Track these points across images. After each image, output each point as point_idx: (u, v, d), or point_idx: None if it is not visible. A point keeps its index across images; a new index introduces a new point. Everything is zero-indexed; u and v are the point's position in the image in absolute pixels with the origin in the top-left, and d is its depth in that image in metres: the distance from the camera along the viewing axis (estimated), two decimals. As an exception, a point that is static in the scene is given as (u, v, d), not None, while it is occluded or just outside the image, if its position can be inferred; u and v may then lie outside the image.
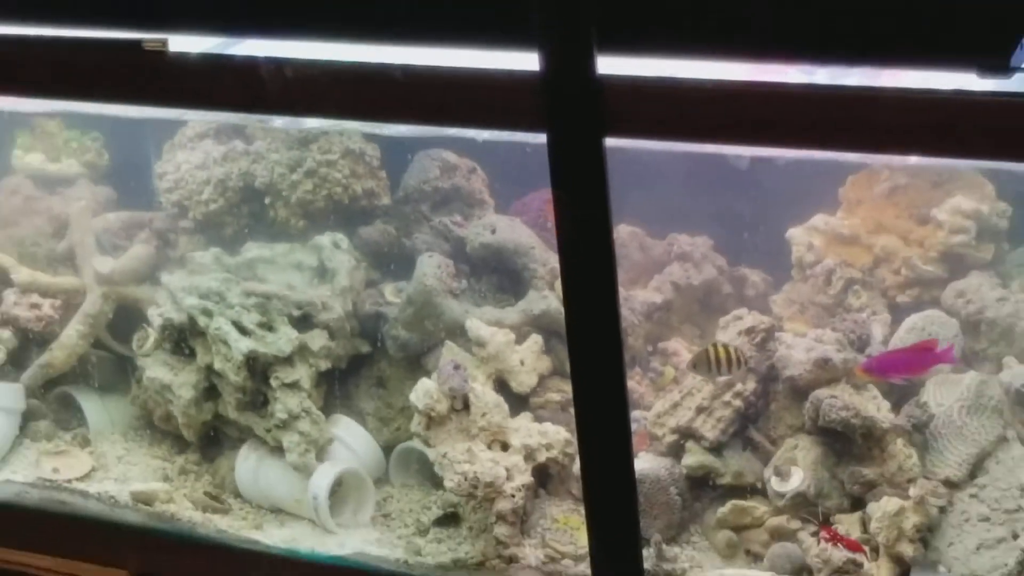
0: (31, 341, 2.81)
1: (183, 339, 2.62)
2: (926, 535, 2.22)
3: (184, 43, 2.18)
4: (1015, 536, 2.17)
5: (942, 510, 2.22)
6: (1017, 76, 1.78)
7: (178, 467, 2.70)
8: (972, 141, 1.82)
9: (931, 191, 2.40)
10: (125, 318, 2.79)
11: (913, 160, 2.24)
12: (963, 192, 2.36)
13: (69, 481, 2.66)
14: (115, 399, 2.82)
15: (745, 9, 1.91)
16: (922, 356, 2.27)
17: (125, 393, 2.80)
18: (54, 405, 2.84)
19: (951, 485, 2.23)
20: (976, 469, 2.23)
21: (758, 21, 1.91)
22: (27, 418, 2.80)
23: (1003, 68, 1.77)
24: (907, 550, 2.20)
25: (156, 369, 2.64)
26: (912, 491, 2.22)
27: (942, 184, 2.39)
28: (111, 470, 2.70)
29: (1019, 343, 2.29)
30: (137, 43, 2.17)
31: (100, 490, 2.63)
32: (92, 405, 2.80)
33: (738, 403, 2.36)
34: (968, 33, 1.80)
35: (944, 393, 2.29)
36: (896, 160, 2.29)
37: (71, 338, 2.77)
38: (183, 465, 2.70)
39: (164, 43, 2.16)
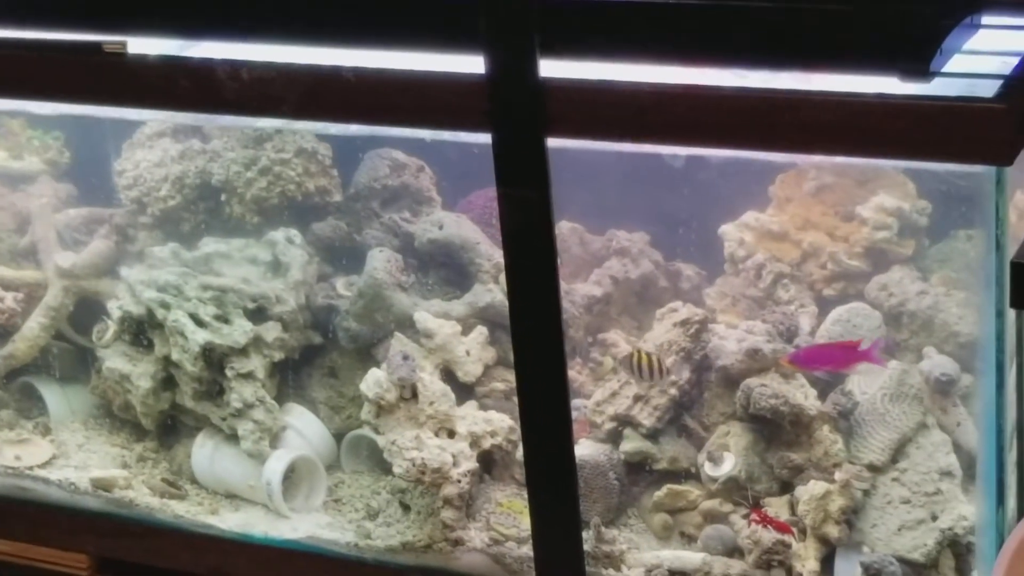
0: (-6, 333, 2.79)
1: (142, 331, 2.60)
2: (851, 517, 2.22)
3: (143, 45, 2.17)
4: (934, 517, 2.19)
5: (866, 493, 2.23)
6: (936, 81, 1.80)
7: (136, 454, 2.68)
8: (895, 142, 1.83)
9: (856, 190, 2.40)
10: (86, 311, 2.76)
11: (839, 160, 2.24)
12: (886, 190, 2.36)
13: (31, 468, 2.64)
14: (75, 389, 2.79)
15: (681, 17, 1.92)
16: (846, 353, 2.27)
17: (85, 383, 2.77)
18: (16, 395, 2.82)
19: (874, 469, 2.24)
20: (898, 454, 2.24)
21: (693, 28, 1.92)
22: (-10, 407, 2.78)
23: (923, 73, 1.78)
24: (833, 531, 2.21)
25: (115, 360, 2.62)
26: (837, 475, 2.23)
27: (866, 183, 2.39)
28: (72, 457, 2.68)
29: (938, 334, 2.29)
30: (98, 45, 2.16)
31: (61, 477, 2.61)
32: (53, 395, 2.78)
33: (673, 392, 2.37)
34: (891, 41, 1.82)
35: (868, 382, 2.29)
36: (823, 160, 2.30)
37: (33, 330, 2.74)
38: (141, 452, 2.68)
39: (124, 45, 2.16)
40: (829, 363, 2.29)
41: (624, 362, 2.33)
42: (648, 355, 2.30)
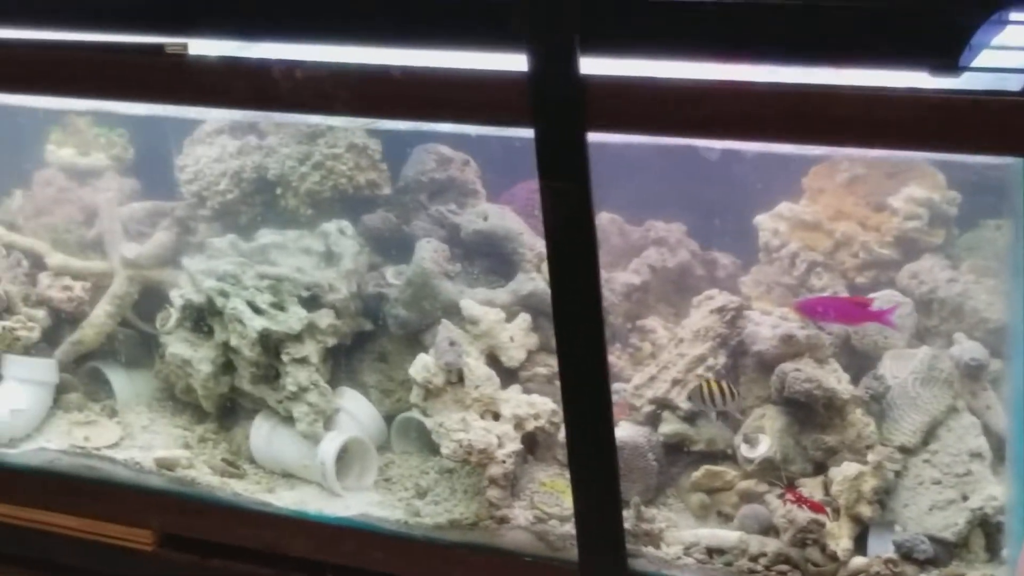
0: (64, 320, 2.79)
1: (202, 318, 2.59)
2: (883, 497, 2.19)
3: (203, 47, 2.17)
4: (964, 498, 2.15)
5: (898, 474, 2.20)
6: (965, 75, 1.77)
7: (198, 436, 2.68)
8: (925, 135, 1.80)
9: (887, 181, 2.37)
10: (149, 299, 2.76)
11: (871, 152, 2.21)
12: (916, 182, 2.33)
13: (98, 448, 2.64)
14: (140, 373, 2.79)
15: (716, 15, 1.90)
16: (857, 309, 2.25)
17: (149, 368, 2.77)
18: (84, 379, 2.81)
19: (906, 451, 2.21)
20: (929, 436, 2.21)
21: (727, 25, 1.89)
22: (60, 391, 2.77)
23: (953, 68, 1.76)
24: (865, 511, 2.18)
25: (177, 346, 2.62)
26: (870, 457, 2.19)
27: (897, 174, 2.36)
28: (136, 438, 2.68)
29: (968, 320, 2.25)
30: (160, 47, 2.16)
31: (127, 457, 2.61)
32: (119, 379, 2.78)
33: (711, 376, 2.34)
34: (921, 37, 1.79)
35: (899, 366, 2.26)
36: (855, 152, 2.26)
37: (100, 317, 2.75)
38: (202, 434, 2.68)
39: (185, 47, 2.15)
40: (837, 315, 2.25)
41: (693, 393, 2.29)
42: (717, 383, 2.27)
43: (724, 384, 2.27)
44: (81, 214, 2.87)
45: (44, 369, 2.74)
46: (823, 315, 2.24)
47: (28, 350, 2.75)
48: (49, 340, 2.79)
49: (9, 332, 2.72)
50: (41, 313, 2.78)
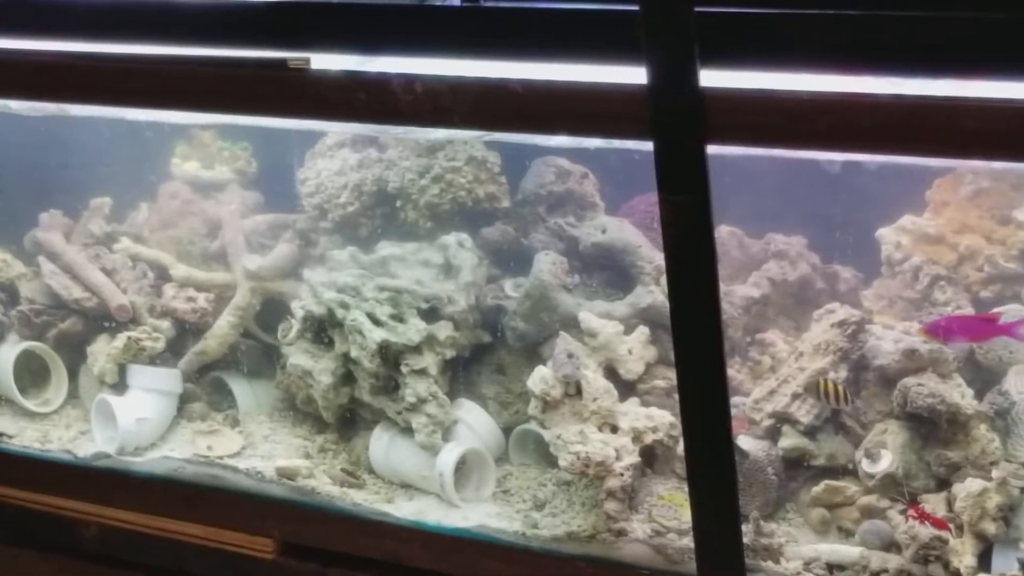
0: (187, 331, 2.84)
1: (323, 329, 2.63)
2: (1008, 514, 2.16)
3: (325, 61, 2.19)
4: (1092, 516, 2.13)
5: (1023, 491, 2.17)
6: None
7: (318, 446, 2.72)
8: (1051, 147, 1.78)
9: (1012, 193, 2.34)
10: (271, 310, 2.81)
11: (996, 164, 2.19)
12: (1043, 194, 2.31)
13: (221, 457, 2.68)
14: (262, 383, 2.84)
15: (836, 27, 1.89)
16: (985, 325, 2.22)
17: (271, 378, 2.82)
18: (208, 389, 2.87)
19: (1032, 468, 2.19)
20: (1056, 453, 2.19)
21: (849, 37, 1.88)
22: (184, 400, 2.83)
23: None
24: (990, 528, 2.15)
25: (298, 357, 2.66)
26: (994, 473, 2.17)
27: (1023, 187, 2.33)
28: (258, 448, 2.72)
29: (1097, 336, 2.23)
30: (283, 62, 2.18)
31: (248, 466, 2.65)
32: (241, 389, 2.83)
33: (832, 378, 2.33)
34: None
35: (1025, 382, 2.24)
36: (979, 164, 2.24)
37: (223, 328, 2.80)
38: (322, 444, 2.72)
39: (307, 61, 2.18)
40: (966, 333, 2.23)
41: (810, 386, 2.30)
42: (835, 384, 2.27)
43: (842, 388, 2.26)
44: (205, 226, 2.92)
45: (168, 379, 2.80)
46: (952, 334, 2.22)
47: (153, 360, 2.81)
48: (173, 350, 2.84)
49: (135, 342, 2.78)
50: (166, 324, 2.83)
